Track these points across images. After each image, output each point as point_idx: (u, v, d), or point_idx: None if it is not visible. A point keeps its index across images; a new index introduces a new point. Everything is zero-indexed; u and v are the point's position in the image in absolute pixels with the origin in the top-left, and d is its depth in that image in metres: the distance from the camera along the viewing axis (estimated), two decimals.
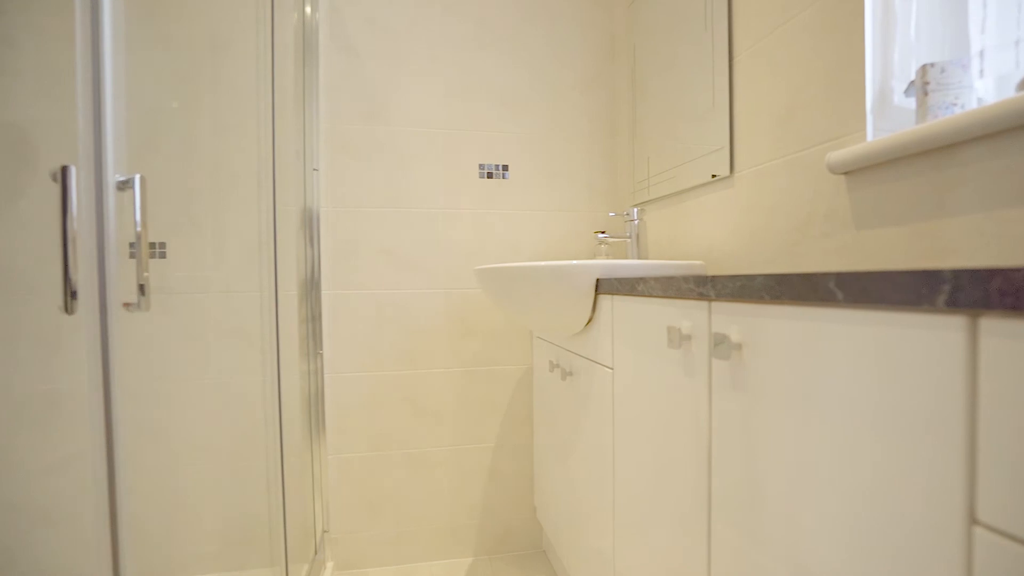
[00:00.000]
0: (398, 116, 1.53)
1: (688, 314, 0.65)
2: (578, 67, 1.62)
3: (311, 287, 1.48)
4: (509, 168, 1.60)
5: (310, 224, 1.47)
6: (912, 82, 0.71)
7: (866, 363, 0.40)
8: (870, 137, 0.74)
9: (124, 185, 0.71)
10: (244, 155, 1.42)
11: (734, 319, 0.56)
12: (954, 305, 0.32)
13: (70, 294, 0.65)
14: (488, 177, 1.59)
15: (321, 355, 1.49)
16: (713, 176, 1.07)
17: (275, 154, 1.17)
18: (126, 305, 0.72)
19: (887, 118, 0.75)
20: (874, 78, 0.75)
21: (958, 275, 0.32)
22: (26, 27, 1.33)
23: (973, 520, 0.33)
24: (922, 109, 0.67)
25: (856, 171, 0.76)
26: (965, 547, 0.33)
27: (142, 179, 0.71)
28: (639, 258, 1.32)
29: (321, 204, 1.49)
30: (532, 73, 1.60)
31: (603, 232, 1.39)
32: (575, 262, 0.97)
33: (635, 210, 1.30)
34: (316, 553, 1.44)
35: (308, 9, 1.45)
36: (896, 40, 0.76)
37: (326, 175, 1.49)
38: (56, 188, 0.65)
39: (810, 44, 0.84)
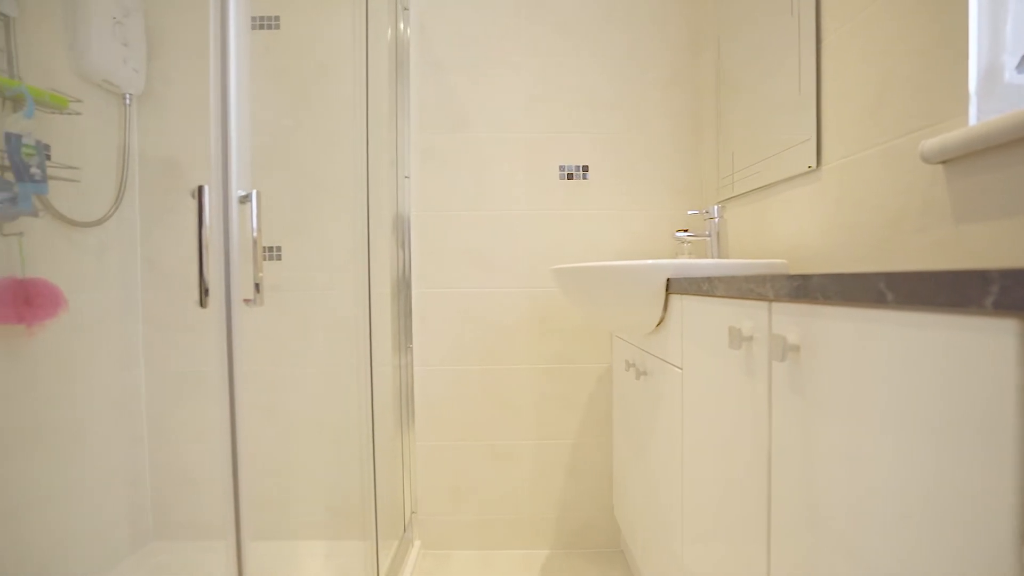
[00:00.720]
0: (482, 123, 1.60)
1: (750, 314, 0.63)
2: (659, 64, 1.59)
3: (402, 286, 1.60)
4: (589, 169, 1.61)
5: (402, 228, 1.60)
6: None
7: (917, 368, 0.38)
8: (973, 120, 0.67)
9: (244, 199, 0.83)
10: (344, 166, 1.58)
11: (794, 320, 0.54)
12: (1003, 307, 0.30)
13: (204, 291, 0.79)
14: (568, 178, 1.62)
15: (411, 349, 1.61)
16: (809, 168, 1.01)
17: (369, 164, 1.29)
18: (246, 301, 0.84)
19: (996, 98, 0.67)
20: (980, 54, 0.67)
21: (1006, 275, 0.30)
22: (178, 66, 1.59)
23: None
24: None
25: (956, 159, 0.68)
26: (1018, 572, 0.31)
27: (258, 194, 0.83)
28: (719, 257, 1.27)
29: (412, 209, 1.60)
30: (612, 72, 1.59)
31: (685, 230, 1.36)
32: (646, 262, 0.97)
33: (716, 207, 1.26)
34: (405, 532, 1.56)
35: (401, 25, 1.57)
36: (1009, 8, 0.67)
37: (416, 181, 1.61)
38: (194, 203, 0.78)
39: (905, 21, 0.77)
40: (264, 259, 1.41)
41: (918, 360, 0.38)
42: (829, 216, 0.95)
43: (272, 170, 1.59)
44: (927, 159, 0.70)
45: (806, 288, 0.50)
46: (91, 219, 1.41)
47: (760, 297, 0.59)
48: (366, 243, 1.27)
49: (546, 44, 1.59)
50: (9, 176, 1.13)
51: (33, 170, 1.14)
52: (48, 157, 1.27)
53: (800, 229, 1.06)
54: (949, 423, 0.35)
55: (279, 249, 1.60)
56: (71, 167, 1.33)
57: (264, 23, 1.59)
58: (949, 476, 0.35)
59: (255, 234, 0.84)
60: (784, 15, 1.08)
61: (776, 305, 0.57)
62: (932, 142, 0.69)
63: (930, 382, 0.37)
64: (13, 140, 1.11)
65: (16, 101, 1.16)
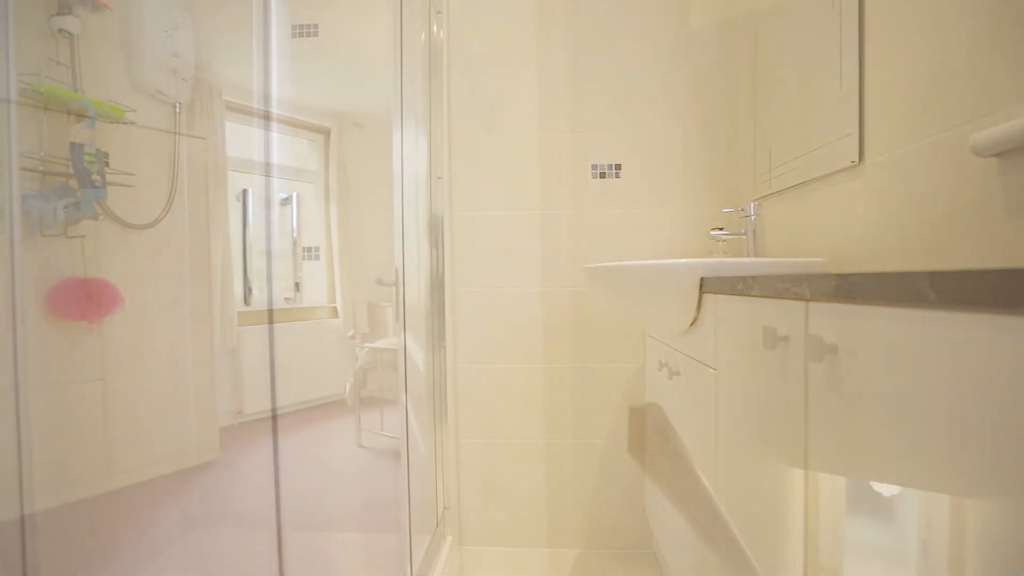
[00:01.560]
0: (514, 122, 1.61)
1: (785, 314, 0.62)
2: (694, 58, 1.56)
3: (436, 285, 1.62)
4: (622, 167, 1.60)
5: (436, 227, 1.62)
6: None
7: (961, 371, 0.36)
8: None
9: (285, 202, 0.86)
10: (379, 167, 1.62)
11: (831, 320, 0.52)
12: None
13: (248, 290, 0.82)
14: (601, 177, 1.61)
15: (444, 347, 1.63)
16: (851, 163, 0.97)
17: (403, 165, 1.31)
18: (287, 300, 0.87)
19: None
20: None
21: None
22: (223, 75, 1.66)
23: None
24: None
25: (1012, 151, 0.65)
26: None
27: (298, 196, 0.86)
28: (755, 255, 1.24)
29: (445, 209, 1.63)
30: (646, 69, 1.57)
31: (720, 229, 1.33)
32: (678, 261, 0.96)
33: (752, 205, 1.23)
34: (437, 527, 1.58)
35: (435, 28, 1.59)
36: None
37: (449, 182, 1.63)
38: (239, 206, 0.82)
39: (954, 9, 0.73)
40: (303, 259, 1.46)
41: (963, 362, 0.36)
42: (872, 213, 0.92)
43: (312, 173, 1.65)
44: (979, 152, 0.67)
45: (844, 288, 0.49)
46: (145, 222, 1.49)
47: (796, 297, 0.58)
48: (401, 243, 1.30)
49: (578, 42, 1.59)
50: (73, 183, 1.21)
51: (94, 176, 1.22)
52: (107, 164, 1.35)
53: (841, 227, 1.02)
54: (994, 427, 0.34)
55: (317, 249, 1.65)
56: (127, 173, 1.41)
57: (304, 31, 1.64)
58: (994, 481, 0.34)
59: (295, 235, 0.88)
60: (825, 6, 1.05)
61: (813, 305, 0.56)
62: (985, 134, 0.65)
63: (975, 385, 0.35)
64: (76, 149, 1.19)
65: (79, 113, 1.24)
